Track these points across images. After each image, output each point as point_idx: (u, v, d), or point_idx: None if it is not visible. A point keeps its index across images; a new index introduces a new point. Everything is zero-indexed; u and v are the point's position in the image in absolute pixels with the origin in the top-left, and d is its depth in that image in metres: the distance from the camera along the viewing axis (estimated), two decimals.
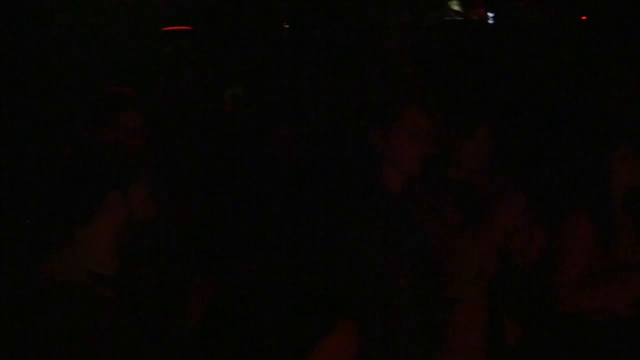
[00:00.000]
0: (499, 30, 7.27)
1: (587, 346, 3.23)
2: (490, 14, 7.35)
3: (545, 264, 3.24)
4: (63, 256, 2.19)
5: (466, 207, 3.16)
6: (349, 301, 1.33)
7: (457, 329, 3.01)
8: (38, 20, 7.24)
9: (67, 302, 2.07)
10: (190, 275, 2.90)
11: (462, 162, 3.21)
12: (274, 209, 3.60)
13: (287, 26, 7.28)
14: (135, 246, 2.38)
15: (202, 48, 4.75)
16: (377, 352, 2.49)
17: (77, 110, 3.07)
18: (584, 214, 3.14)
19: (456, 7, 7.32)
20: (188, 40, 6.86)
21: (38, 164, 3.10)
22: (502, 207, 3.02)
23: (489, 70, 6.22)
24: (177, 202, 3.32)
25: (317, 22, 7.41)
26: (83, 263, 2.16)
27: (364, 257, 2.61)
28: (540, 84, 5.82)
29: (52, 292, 2.11)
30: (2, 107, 6.65)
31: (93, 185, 2.19)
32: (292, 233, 3.12)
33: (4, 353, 2.14)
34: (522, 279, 3.26)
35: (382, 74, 4.46)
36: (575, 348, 3.25)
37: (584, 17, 7.15)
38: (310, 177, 3.57)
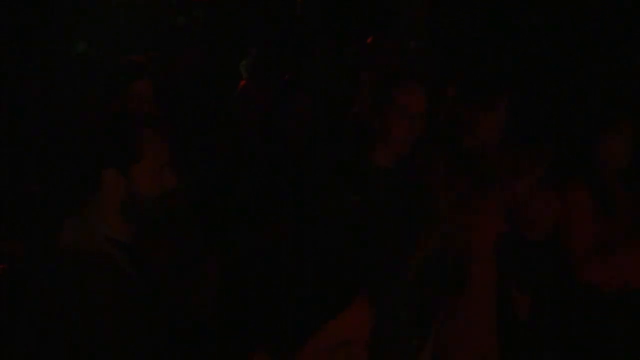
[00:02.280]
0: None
1: (600, 317, 3.24)
2: None
3: (556, 234, 3.26)
4: (78, 223, 2.19)
5: (479, 175, 3.14)
6: (363, 277, 1.32)
7: (468, 297, 3.02)
8: None
9: (85, 269, 2.07)
10: (204, 248, 2.91)
11: (479, 133, 3.19)
12: (286, 181, 3.60)
13: None
14: (147, 218, 2.39)
15: (216, 18, 4.74)
16: (388, 327, 2.50)
17: (90, 79, 3.07)
18: (583, 184, 3.25)
19: None
20: (202, 10, 6.84)
21: (53, 132, 3.10)
22: (516, 175, 3.05)
23: (507, 42, 6.18)
24: (190, 172, 3.32)
25: None
26: (98, 229, 2.16)
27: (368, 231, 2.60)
28: (557, 58, 5.80)
29: (69, 259, 2.11)
30: (13, 76, 6.66)
31: (89, 160, 2.19)
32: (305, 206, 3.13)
33: (22, 325, 2.15)
34: (534, 250, 3.26)
35: (381, 49, 4.46)
36: (588, 319, 3.26)
37: None
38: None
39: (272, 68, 5.29)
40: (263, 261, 1.31)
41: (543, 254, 3.30)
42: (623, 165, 3.31)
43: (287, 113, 3.66)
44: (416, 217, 2.68)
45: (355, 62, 4.26)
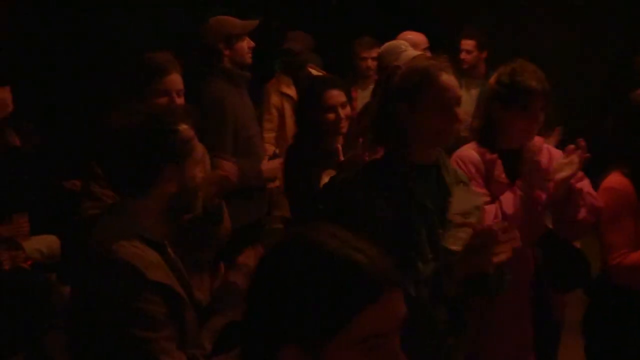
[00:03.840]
0: None
1: (634, 318, 3.20)
2: None
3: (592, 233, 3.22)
4: (112, 224, 2.21)
5: (515, 171, 3.12)
6: (395, 270, 1.32)
7: (503, 295, 3.00)
8: None
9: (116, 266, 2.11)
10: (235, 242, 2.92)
11: (514, 135, 3.16)
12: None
13: None
14: (185, 213, 2.41)
15: (247, 14, 4.73)
16: (421, 323, 2.48)
17: (122, 77, 3.08)
18: (621, 179, 3.22)
19: None
20: (232, 8, 6.84)
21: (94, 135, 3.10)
22: (550, 173, 3.01)
23: None
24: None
25: None
26: (132, 230, 2.20)
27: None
28: None
29: (101, 258, 2.13)
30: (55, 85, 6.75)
31: (152, 159, 2.23)
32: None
33: (58, 319, 2.19)
34: (570, 248, 3.23)
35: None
36: (623, 319, 3.22)
37: None
38: None
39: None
40: (295, 252, 1.31)
41: (579, 252, 3.27)
42: None
43: (320, 108, 3.68)
44: (450, 213, 2.66)
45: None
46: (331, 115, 3.69)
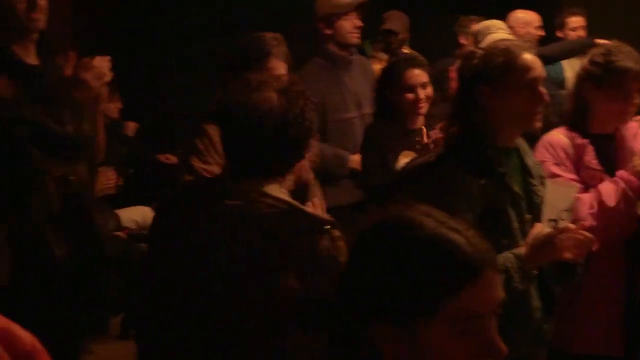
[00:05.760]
0: None
1: None
2: None
3: None
4: None
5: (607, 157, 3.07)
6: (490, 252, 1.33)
7: (593, 283, 2.97)
8: None
9: None
10: None
11: (607, 118, 3.10)
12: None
13: None
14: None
15: None
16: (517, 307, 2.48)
17: (228, 57, 3.11)
18: None
19: None
20: None
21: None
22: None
23: None
24: None
25: None
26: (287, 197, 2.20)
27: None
28: None
29: None
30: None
31: (306, 139, 2.22)
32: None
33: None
34: None
35: None
36: None
37: None
38: None
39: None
40: (392, 231, 1.32)
41: None
42: None
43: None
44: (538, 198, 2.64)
45: None
46: (410, 95, 3.65)
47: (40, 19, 3.02)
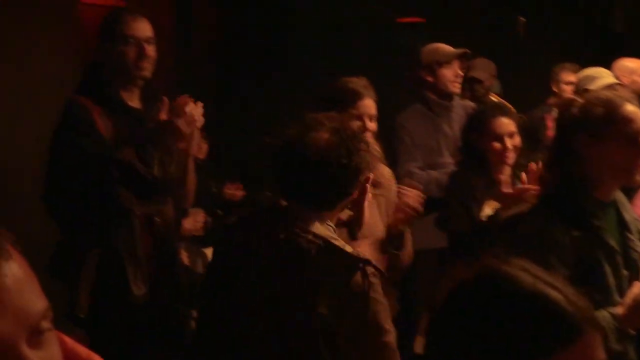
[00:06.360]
0: None
1: None
2: None
3: None
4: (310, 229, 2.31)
5: None
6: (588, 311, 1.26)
7: None
8: (280, 13, 7.57)
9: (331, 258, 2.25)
10: None
11: None
12: None
13: (524, 20, 7.08)
14: None
15: (436, 41, 4.74)
16: None
17: (317, 100, 3.16)
18: None
19: None
20: (423, 32, 6.87)
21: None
22: None
23: None
24: None
25: (556, 15, 7.16)
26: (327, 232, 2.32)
27: None
28: None
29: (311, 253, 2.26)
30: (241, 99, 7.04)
31: (352, 179, 2.33)
32: None
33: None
34: None
35: None
36: None
37: None
38: None
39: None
40: (486, 286, 1.25)
41: None
42: None
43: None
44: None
45: None
46: (497, 144, 3.57)
47: (148, 68, 3.22)
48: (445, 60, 4.35)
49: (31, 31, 4.67)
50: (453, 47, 4.43)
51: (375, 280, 2.24)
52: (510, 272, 1.24)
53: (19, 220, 4.03)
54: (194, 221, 4.75)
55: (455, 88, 4.41)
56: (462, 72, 4.43)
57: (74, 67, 3.59)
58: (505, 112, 3.70)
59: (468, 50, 4.40)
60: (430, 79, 4.39)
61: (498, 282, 1.24)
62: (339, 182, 2.29)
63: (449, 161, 4.32)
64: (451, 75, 4.37)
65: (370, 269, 2.24)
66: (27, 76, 4.60)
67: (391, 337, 2.28)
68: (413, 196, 3.18)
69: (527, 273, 1.24)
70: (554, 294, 1.21)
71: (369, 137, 3.03)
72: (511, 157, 3.60)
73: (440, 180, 4.14)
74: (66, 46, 4.94)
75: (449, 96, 4.41)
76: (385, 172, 3.28)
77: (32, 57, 4.64)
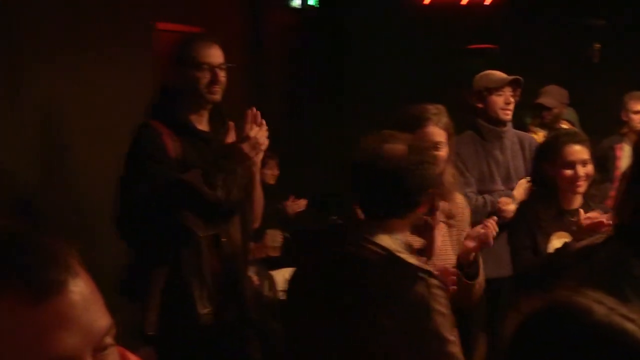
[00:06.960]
0: None
1: None
2: None
3: None
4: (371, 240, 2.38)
5: None
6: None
7: None
8: (345, 37, 7.61)
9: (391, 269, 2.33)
10: None
11: None
12: None
13: (599, 46, 6.98)
14: None
15: (507, 66, 4.69)
16: None
17: (381, 124, 3.16)
18: None
19: None
20: (494, 59, 6.82)
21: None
22: None
23: None
24: None
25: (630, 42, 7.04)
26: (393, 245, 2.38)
27: None
28: None
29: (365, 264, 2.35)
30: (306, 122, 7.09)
31: (420, 187, 2.44)
32: None
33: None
34: None
35: None
36: None
37: None
38: None
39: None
40: (560, 318, 1.23)
41: None
42: None
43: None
44: None
45: None
46: (569, 172, 3.47)
47: (218, 92, 3.30)
48: (495, 87, 4.29)
49: (108, 56, 4.79)
50: (508, 74, 4.35)
51: (437, 291, 2.28)
52: (584, 303, 1.22)
53: (91, 240, 4.14)
54: (272, 241, 4.81)
55: (506, 115, 4.32)
56: (515, 99, 4.33)
57: (150, 91, 3.65)
58: (578, 140, 3.57)
59: (520, 77, 4.31)
60: (480, 105, 4.34)
61: (571, 314, 1.22)
62: (407, 188, 2.39)
63: (501, 188, 4.27)
64: (501, 102, 4.30)
65: (432, 281, 2.28)
66: (104, 100, 4.71)
67: (455, 347, 2.30)
68: (490, 225, 3.06)
69: (601, 305, 1.21)
70: (630, 326, 1.18)
71: (441, 163, 3.01)
72: (583, 185, 3.49)
73: (495, 204, 4.11)
74: (142, 71, 5.05)
75: (501, 122, 4.35)
76: (459, 200, 3.24)
77: (109, 81, 4.76)
